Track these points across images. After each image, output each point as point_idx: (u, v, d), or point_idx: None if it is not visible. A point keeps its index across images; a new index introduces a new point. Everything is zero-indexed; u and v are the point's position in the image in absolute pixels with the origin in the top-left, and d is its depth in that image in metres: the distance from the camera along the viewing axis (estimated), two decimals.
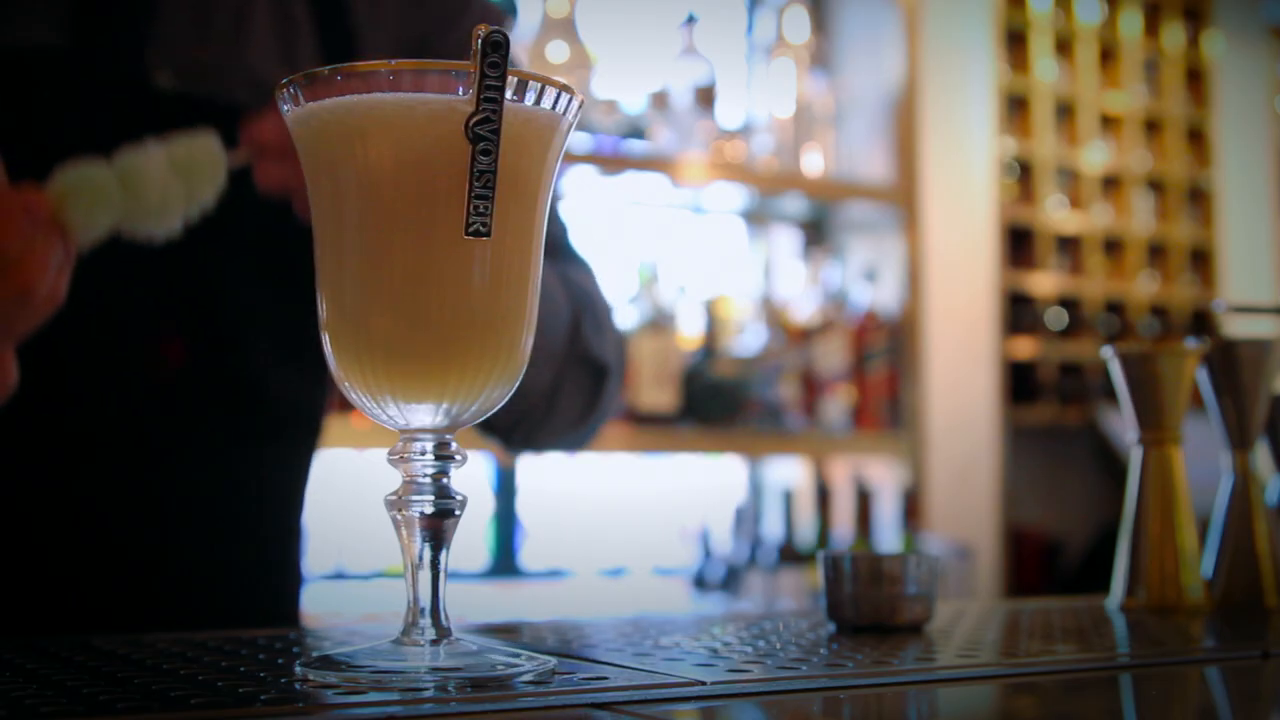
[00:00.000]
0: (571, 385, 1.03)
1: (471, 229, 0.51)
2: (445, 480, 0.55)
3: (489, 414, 0.57)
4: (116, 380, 0.92)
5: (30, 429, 0.89)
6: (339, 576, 3.01)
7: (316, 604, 2.66)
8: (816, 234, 3.30)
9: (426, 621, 0.55)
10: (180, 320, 0.92)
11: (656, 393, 2.89)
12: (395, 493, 0.55)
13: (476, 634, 0.70)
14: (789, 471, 3.38)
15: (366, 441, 2.59)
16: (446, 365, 0.54)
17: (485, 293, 0.54)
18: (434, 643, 0.54)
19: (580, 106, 0.56)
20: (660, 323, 2.79)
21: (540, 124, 0.54)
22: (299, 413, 1.00)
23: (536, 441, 1.08)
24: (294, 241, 0.80)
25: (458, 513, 0.55)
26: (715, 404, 2.94)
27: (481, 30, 0.49)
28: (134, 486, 0.92)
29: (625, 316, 2.82)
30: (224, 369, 0.94)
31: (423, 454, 0.55)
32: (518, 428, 1.04)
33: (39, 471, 0.91)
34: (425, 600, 0.55)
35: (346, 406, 0.66)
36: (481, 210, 0.51)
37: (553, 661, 0.55)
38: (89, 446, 0.91)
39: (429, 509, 0.54)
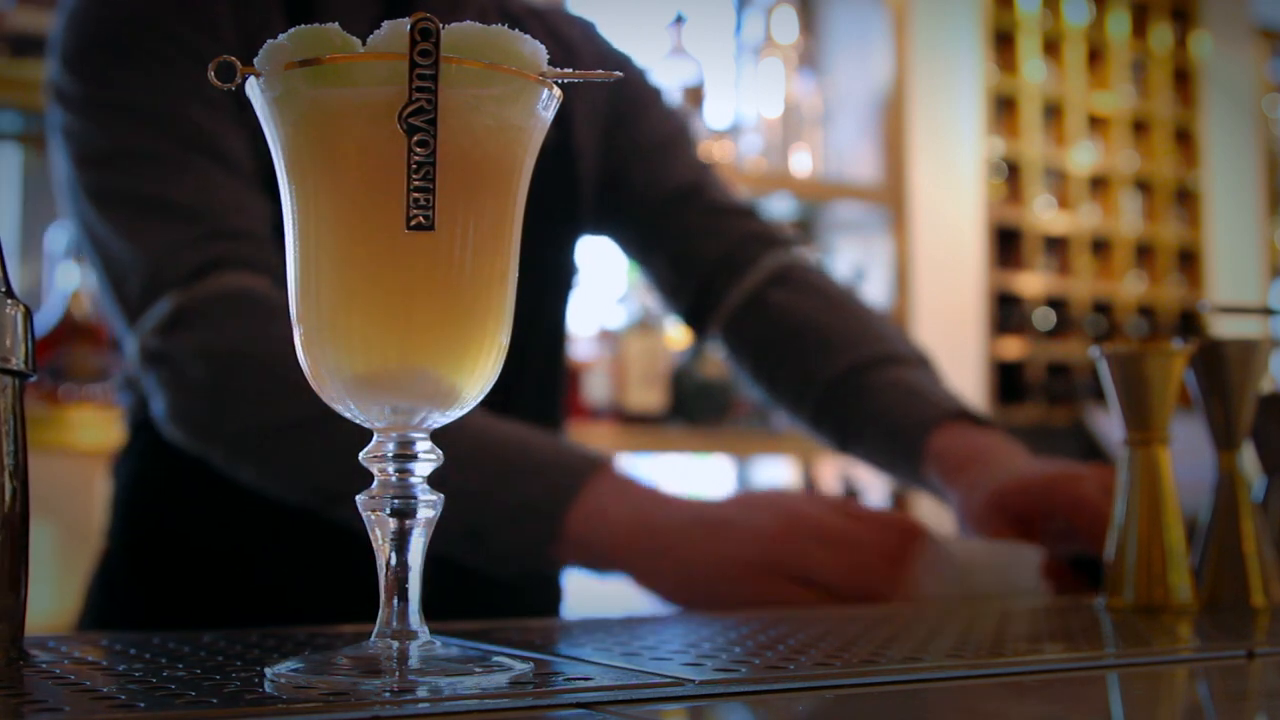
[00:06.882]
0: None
1: (413, 223, 0.49)
2: (420, 480, 0.55)
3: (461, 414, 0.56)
4: None
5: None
6: None
7: None
8: (804, 234, 3.30)
9: (404, 622, 0.54)
10: None
11: (645, 393, 2.88)
12: (369, 492, 0.55)
13: (459, 634, 0.69)
14: (777, 471, 3.37)
15: None
16: (422, 363, 0.53)
17: (460, 289, 0.53)
18: (413, 643, 0.54)
19: (556, 98, 0.55)
20: (649, 323, 2.79)
21: (513, 115, 0.54)
22: None
23: None
24: None
25: (432, 513, 0.54)
26: (704, 404, 2.93)
27: (414, 19, 0.48)
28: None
29: (613, 316, 2.81)
30: None
31: (397, 453, 0.54)
32: None
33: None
34: (401, 601, 0.54)
35: None
36: (422, 203, 0.49)
37: (530, 664, 0.55)
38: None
39: (403, 509, 0.54)
